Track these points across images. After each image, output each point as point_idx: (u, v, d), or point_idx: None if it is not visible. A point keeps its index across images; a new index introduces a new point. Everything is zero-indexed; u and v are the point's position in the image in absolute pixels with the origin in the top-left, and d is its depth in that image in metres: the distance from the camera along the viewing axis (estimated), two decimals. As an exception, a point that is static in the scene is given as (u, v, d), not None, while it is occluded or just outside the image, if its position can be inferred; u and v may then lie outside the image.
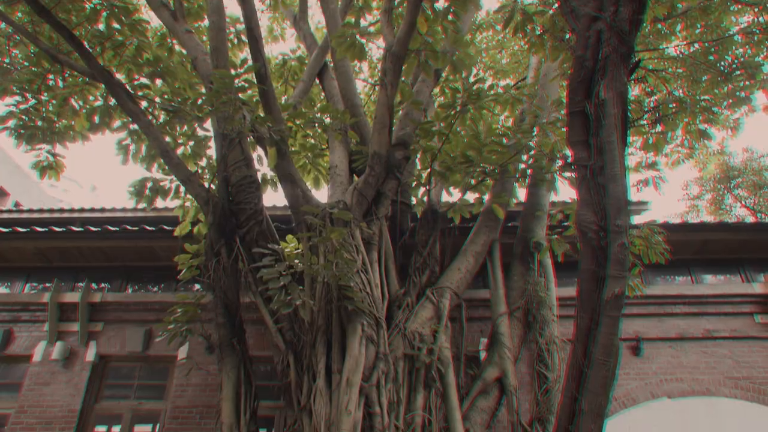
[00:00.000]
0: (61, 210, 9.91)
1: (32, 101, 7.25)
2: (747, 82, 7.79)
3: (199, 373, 7.37)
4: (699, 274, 8.38)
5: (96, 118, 7.40)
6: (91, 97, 7.56)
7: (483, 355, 7.15)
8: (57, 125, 7.45)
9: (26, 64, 7.41)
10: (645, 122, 6.96)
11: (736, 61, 7.68)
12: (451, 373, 6.05)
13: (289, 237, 6.26)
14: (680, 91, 8.12)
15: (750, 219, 20.56)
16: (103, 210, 9.80)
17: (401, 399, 5.70)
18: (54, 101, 7.36)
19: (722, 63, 7.73)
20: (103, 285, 8.48)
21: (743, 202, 21.58)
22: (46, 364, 7.55)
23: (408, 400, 5.83)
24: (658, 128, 7.07)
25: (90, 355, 7.65)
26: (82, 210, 9.93)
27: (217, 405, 6.57)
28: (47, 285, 8.36)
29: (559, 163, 6.46)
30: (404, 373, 5.89)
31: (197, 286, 8.06)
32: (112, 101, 7.15)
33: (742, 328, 7.71)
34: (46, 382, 7.46)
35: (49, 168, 7.45)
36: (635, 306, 7.69)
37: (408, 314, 6.23)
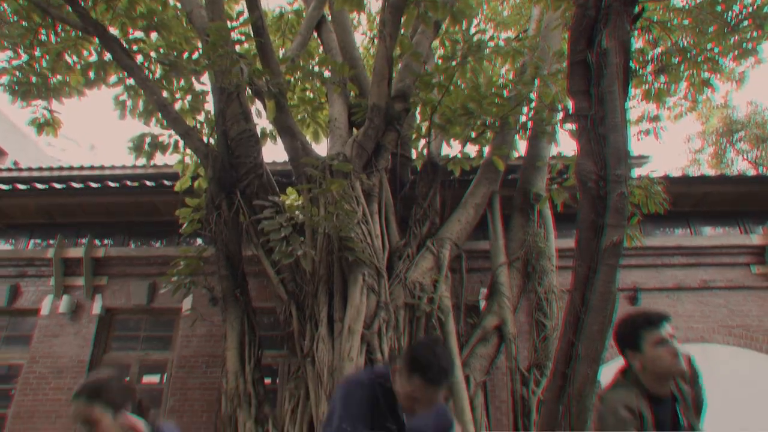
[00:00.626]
0: (61, 168, 9.89)
1: (25, 57, 7.14)
2: (754, 33, 7.63)
3: (204, 324, 7.52)
4: (698, 226, 8.45)
5: (91, 74, 7.31)
6: (85, 52, 7.44)
7: (482, 304, 7.26)
8: (52, 81, 7.36)
9: (16, 18, 7.25)
10: (648, 73, 6.88)
11: (743, 11, 7.51)
12: (451, 321, 6.18)
13: (290, 189, 6.28)
14: (685, 42, 7.97)
15: (751, 172, 20.53)
16: (102, 167, 9.78)
17: (402, 346, 5.84)
18: (47, 56, 7.25)
19: (729, 13, 7.56)
20: (106, 241, 8.57)
21: (745, 156, 21.50)
22: (54, 317, 7.71)
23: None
24: (661, 79, 7.00)
25: (96, 308, 7.80)
26: (81, 168, 9.90)
27: (222, 354, 6.72)
28: (51, 241, 8.44)
29: (560, 114, 6.43)
30: (405, 322, 6.01)
31: (199, 241, 8.13)
32: (107, 56, 7.04)
33: (738, 278, 7.82)
34: (54, 335, 7.63)
35: (46, 125, 7.41)
36: (634, 257, 7.77)
37: (408, 264, 6.31)
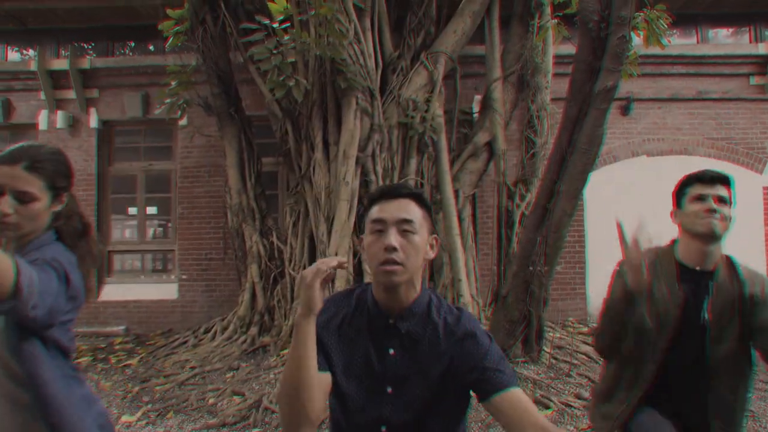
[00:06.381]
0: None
1: None
2: None
3: (202, 136, 7.58)
4: (706, 32, 8.06)
5: None
6: None
7: (476, 109, 7.32)
8: None
9: None
10: None
11: None
12: (443, 139, 6.34)
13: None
14: None
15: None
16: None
17: (395, 165, 6.11)
18: None
19: None
20: (88, 48, 8.24)
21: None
22: (53, 132, 7.76)
23: (402, 165, 6.23)
24: None
25: (93, 121, 7.82)
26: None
27: (223, 168, 7.00)
28: (30, 50, 8.12)
29: None
30: (398, 141, 6.17)
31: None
32: None
33: (735, 89, 7.73)
34: (58, 150, 7.82)
35: None
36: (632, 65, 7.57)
37: (402, 80, 6.20)
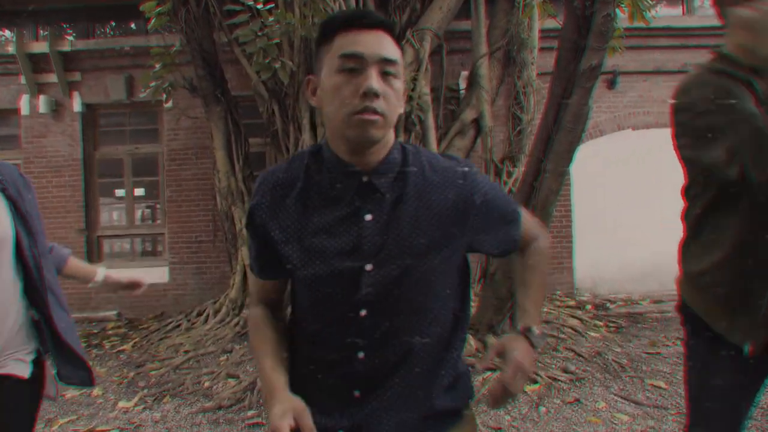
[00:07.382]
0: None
1: None
2: None
3: (188, 118, 7.52)
4: (692, 0, 8.05)
5: None
6: None
7: (463, 85, 7.29)
8: None
9: None
10: None
11: None
12: (430, 117, 6.33)
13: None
14: None
15: None
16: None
17: (383, 145, 6.08)
18: None
19: None
20: (68, 29, 8.08)
21: None
22: (35, 117, 7.64)
23: (389, 145, 6.22)
24: None
25: (76, 105, 7.69)
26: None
27: (211, 147, 6.95)
28: (6, 32, 7.94)
29: None
30: (385, 121, 6.14)
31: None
32: None
33: (720, 60, 7.74)
34: (42, 135, 7.67)
35: None
36: (617, 39, 7.55)
37: (388, 59, 6.15)
